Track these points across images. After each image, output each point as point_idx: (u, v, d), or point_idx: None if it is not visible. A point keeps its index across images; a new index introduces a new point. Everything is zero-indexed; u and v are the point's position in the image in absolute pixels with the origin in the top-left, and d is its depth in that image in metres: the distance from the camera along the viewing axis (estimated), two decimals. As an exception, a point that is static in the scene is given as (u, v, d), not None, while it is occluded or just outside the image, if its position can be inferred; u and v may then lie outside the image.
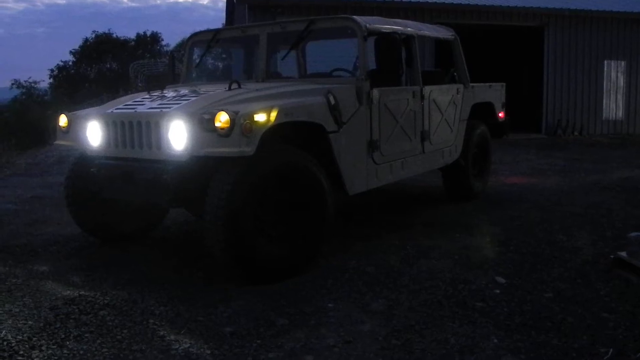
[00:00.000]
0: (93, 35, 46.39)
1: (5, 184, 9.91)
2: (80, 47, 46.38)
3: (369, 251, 5.20)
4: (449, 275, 4.54)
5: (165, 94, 5.10)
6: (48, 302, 4.21)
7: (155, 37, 49.13)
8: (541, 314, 3.82)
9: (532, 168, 10.35)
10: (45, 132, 20.36)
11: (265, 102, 4.47)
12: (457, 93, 6.78)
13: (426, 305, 3.98)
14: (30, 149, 17.60)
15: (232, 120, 4.09)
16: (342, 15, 5.53)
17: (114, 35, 47.18)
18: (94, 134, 5.07)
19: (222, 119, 4.12)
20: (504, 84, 7.99)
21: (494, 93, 7.69)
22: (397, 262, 4.89)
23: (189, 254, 5.32)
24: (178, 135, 4.37)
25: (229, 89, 4.78)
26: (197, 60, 6.48)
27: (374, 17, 5.69)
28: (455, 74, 7.05)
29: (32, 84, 28.11)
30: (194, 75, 6.57)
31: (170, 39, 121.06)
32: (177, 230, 6.21)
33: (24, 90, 27.72)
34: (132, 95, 5.64)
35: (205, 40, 6.36)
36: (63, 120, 5.43)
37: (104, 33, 46.70)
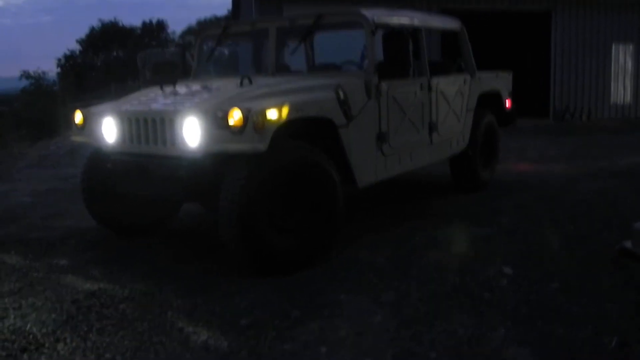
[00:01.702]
0: (99, 24, 46.51)
1: (19, 176, 10.09)
2: (86, 35, 46.53)
3: (378, 242, 5.32)
4: (457, 266, 4.65)
5: (178, 90, 5.21)
6: (69, 296, 4.36)
7: (161, 25, 49.17)
8: (547, 304, 3.93)
9: (539, 155, 10.41)
10: (55, 123, 20.52)
11: (277, 98, 4.57)
12: (464, 83, 6.85)
13: (435, 296, 4.10)
14: (41, 140, 17.76)
15: (245, 117, 4.20)
16: (350, 10, 5.62)
17: (120, 24, 47.26)
18: (109, 130, 5.19)
19: (235, 116, 4.23)
20: (511, 72, 8.04)
21: (501, 82, 7.75)
22: (406, 253, 5.00)
23: (203, 245, 5.46)
24: (192, 132, 4.48)
25: (241, 85, 4.88)
26: (208, 55, 6.57)
27: (381, 10, 5.76)
28: (462, 63, 7.12)
29: (41, 74, 28.30)
30: (204, 69, 6.67)
31: (177, 25, 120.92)
32: (191, 222, 6.34)
33: (32, 81, 27.90)
34: (145, 90, 5.76)
35: (215, 34, 6.46)
36: (78, 117, 5.55)
37: (110, 21, 46.81)
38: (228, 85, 5.08)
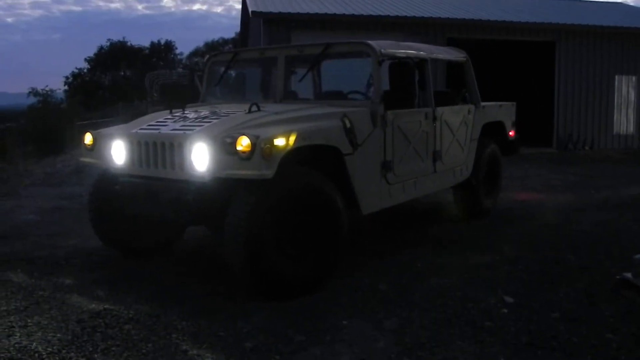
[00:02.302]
0: (108, 43, 46.95)
1: (26, 193, 10.15)
2: (95, 54, 46.98)
3: (381, 268, 5.39)
4: (458, 294, 4.71)
5: (187, 115, 5.31)
6: (75, 315, 4.41)
7: (169, 46, 49.63)
8: (547, 333, 3.98)
9: (542, 184, 10.50)
10: (62, 140, 20.68)
11: (284, 126, 4.67)
12: (469, 113, 6.96)
13: (437, 323, 4.15)
14: (47, 157, 17.89)
15: (253, 145, 4.29)
16: (358, 40, 5.73)
17: (129, 44, 47.70)
18: (118, 152, 5.28)
19: (243, 143, 4.32)
20: (514, 103, 8.16)
21: (505, 112, 7.87)
22: (408, 280, 5.06)
23: (208, 267, 5.53)
24: (201, 157, 4.58)
25: (249, 111, 4.98)
26: (217, 79, 6.69)
27: (388, 42, 5.89)
28: (466, 94, 7.23)
29: (49, 92, 28.58)
30: (212, 93, 6.78)
31: (184, 46, 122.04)
32: (196, 245, 6.40)
33: (40, 98, 28.17)
34: (155, 114, 5.86)
35: (225, 60, 6.58)
36: (88, 139, 5.65)
37: (119, 41, 47.25)
38: (236, 111, 5.18)
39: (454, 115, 6.67)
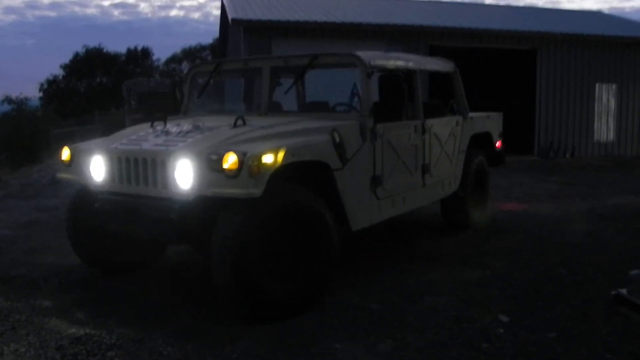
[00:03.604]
0: (83, 50, 46.35)
1: (0, 206, 9.87)
2: (70, 61, 46.33)
3: (371, 286, 5.24)
4: (453, 313, 4.58)
5: (169, 129, 5.12)
6: (54, 342, 4.20)
7: (146, 52, 49.12)
8: (546, 355, 3.87)
9: (526, 193, 10.45)
10: (37, 149, 20.31)
11: (272, 141, 4.51)
12: (457, 125, 6.86)
13: (432, 346, 4.02)
14: (22, 167, 17.53)
15: (241, 162, 4.14)
16: (346, 52, 5.60)
17: (105, 50, 47.15)
18: (97, 168, 5.09)
19: (230, 160, 4.17)
20: (501, 113, 8.09)
21: (492, 123, 7.79)
22: (400, 299, 4.93)
23: (192, 286, 5.34)
24: (184, 175, 4.41)
25: (235, 125, 4.82)
26: (199, 91, 6.51)
27: (377, 53, 5.78)
28: (454, 105, 7.13)
29: (23, 100, 28.07)
30: (195, 105, 6.60)
31: (162, 53, 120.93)
32: (179, 261, 6.21)
33: (14, 107, 27.67)
34: (135, 127, 5.67)
35: (207, 71, 6.41)
36: (66, 154, 5.44)
37: (95, 47, 46.65)
38: (221, 125, 5.01)
39: (442, 127, 6.56)
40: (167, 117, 5.61)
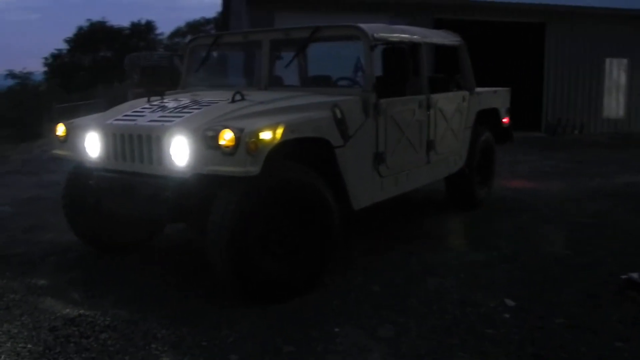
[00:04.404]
0: (87, 24, 46.03)
1: (1, 182, 9.78)
2: (74, 35, 46.04)
3: (373, 267, 5.11)
4: (456, 297, 4.44)
5: (166, 104, 4.97)
6: (47, 322, 4.11)
7: (149, 26, 48.73)
8: (553, 342, 3.72)
9: (533, 170, 10.26)
10: (40, 124, 20.18)
11: (271, 117, 4.35)
12: (463, 100, 6.66)
13: (435, 331, 3.88)
14: (24, 142, 17.43)
15: (237, 139, 3.98)
16: (349, 24, 5.40)
17: (108, 24, 46.80)
18: (92, 145, 4.95)
19: (226, 137, 4.01)
20: (509, 88, 7.88)
21: (499, 99, 7.58)
22: (402, 280, 4.78)
23: (191, 266, 5.22)
24: (180, 151, 4.27)
25: (232, 100, 4.65)
26: (198, 64, 6.33)
27: (380, 25, 5.56)
28: (460, 80, 6.93)
29: (27, 74, 27.91)
30: (193, 79, 6.43)
31: (166, 27, 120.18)
32: (178, 240, 6.08)
33: (18, 81, 27.51)
34: (132, 102, 5.51)
35: (206, 44, 6.23)
36: (61, 130, 5.30)
37: (98, 21, 46.33)
38: (219, 100, 4.84)
39: (448, 102, 6.36)
40: (164, 91, 5.46)
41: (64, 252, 5.72)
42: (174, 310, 4.27)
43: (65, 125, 5.29)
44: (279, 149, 4.28)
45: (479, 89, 7.08)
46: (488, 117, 7.35)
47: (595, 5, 16.17)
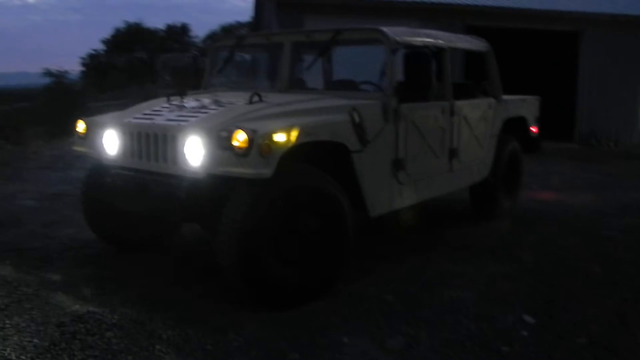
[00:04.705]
0: (124, 25, 46.72)
1: (29, 177, 9.90)
2: (111, 36, 46.76)
3: (388, 275, 4.98)
4: (473, 310, 4.29)
5: (185, 104, 4.93)
6: (55, 318, 4.10)
7: (184, 28, 49.26)
8: (572, 362, 3.56)
9: (564, 182, 10.00)
10: (73, 122, 20.38)
11: (286, 119, 4.27)
12: (489, 108, 6.51)
13: (447, 345, 3.74)
14: (56, 139, 17.64)
15: (250, 140, 3.91)
16: (371, 27, 5.30)
17: (144, 26, 47.46)
18: (110, 142, 4.95)
19: (239, 138, 3.94)
20: (539, 97, 7.69)
21: (528, 107, 7.40)
22: (418, 291, 4.65)
23: (204, 266, 5.16)
24: (194, 151, 4.22)
25: (250, 102, 4.59)
26: (220, 65, 6.29)
27: (403, 29, 5.45)
28: (487, 87, 6.77)
29: (63, 73, 28.24)
30: (216, 80, 6.39)
31: (200, 29, 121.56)
32: (195, 239, 6.02)
33: (54, 79, 27.86)
34: (152, 101, 5.49)
35: (229, 45, 6.19)
36: (81, 127, 5.32)
37: (135, 23, 47.03)
38: (238, 101, 4.79)
39: (473, 109, 6.21)
40: (185, 91, 5.43)
41: (81, 248, 5.74)
42: (182, 311, 4.22)
43: (85, 122, 5.30)
44: (294, 152, 4.20)
45: (506, 97, 6.91)
46: (515, 126, 7.17)
47: (632, 13, 15.76)
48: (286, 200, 4.15)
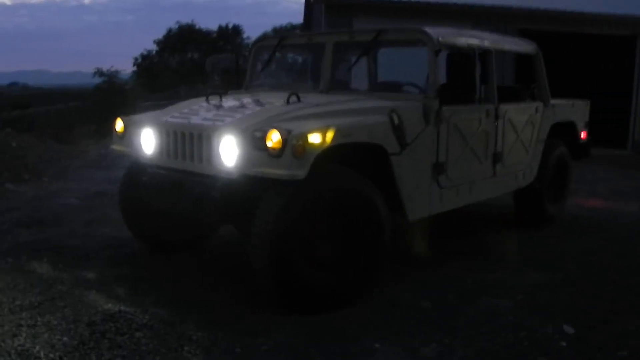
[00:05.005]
0: (177, 26, 47.32)
1: (74, 175, 10.06)
2: (163, 36, 47.43)
3: (424, 282, 4.85)
4: (510, 319, 4.13)
5: (223, 104, 4.91)
6: (87, 317, 4.10)
7: (236, 30, 49.64)
8: (613, 378, 3.39)
9: (613, 190, 9.64)
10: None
11: (323, 120, 4.19)
12: (536, 112, 6.30)
13: (481, 356, 3.60)
14: (105, 138, 17.98)
15: (284, 140, 3.84)
16: (413, 27, 5.18)
17: (197, 27, 47.95)
18: (147, 141, 4.95)
19: (273, 138, 3.88)
20: (588, 101, 7.42)
21: (577, 111, 7.15)
22: (455, 298, 4.51)
23: (238, 270, 5.11)
24: (229, 151, 4.17)
25: (287, 102, 4.53)
26: (262, 66, 6.25)
27: (448, 29, 5.31)
28: (535, 90, 6.56)
29: (114, 73, 28.89)
30: (257, 81, 6.36)
31: (253, 31, 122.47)
32: (232, 242, 5.99)
33: (106, 79, 28.51)
34: (191, 100, 5.48)
35: (270, 45, 6.14)
36: (119, 125, 5.33)
37: (187, 24, 47.56)
38: (276, 101, 4.73)
39: (519, 113, 6.02)
40: (225, 91, 5.41)
41: (118, 247, 5.76)
42: (212, 313, 4.18)
43: (124, 121, 5.30)
44: (331, 153, 4.12)
45: (555, 101, 6.69)
46: (564, 131, 6.93)
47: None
48: (320, 203, 4.07)
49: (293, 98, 4.56)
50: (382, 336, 3.84)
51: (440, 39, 4.97)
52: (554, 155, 6.74)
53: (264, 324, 3.99)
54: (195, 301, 4.40)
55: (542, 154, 6.53)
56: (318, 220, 4.09)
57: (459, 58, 5.05)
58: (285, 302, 4.14)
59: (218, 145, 4.25)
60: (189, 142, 4.52)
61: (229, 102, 4.97)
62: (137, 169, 5.23)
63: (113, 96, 24.93)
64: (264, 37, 6.42)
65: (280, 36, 6.19)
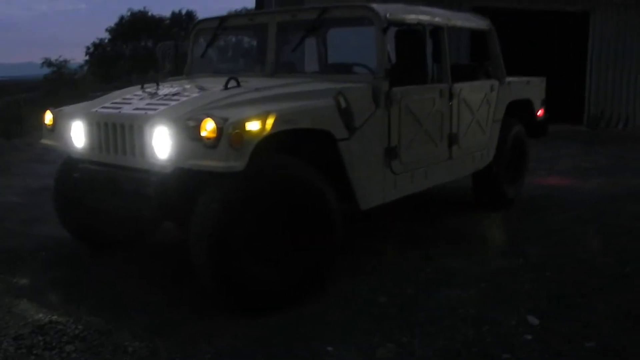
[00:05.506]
0: (128, 13, 46.31)
1: (18, 171, 9.61)
2: (116, 24, 46.36)
3: (381, 274, 4.58)
4: (472, 312, 3.89)
5: (159, 91, 4.54)
6: (15, 329, 3.75)
7: (190, 16, 48.78)
8: (581, 372, 3.17)
9: (572, 166, 9.54)
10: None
11: (262, 105, 3.86)
12: (491, 90, 6.06)
13: (442, 355, 3.34)
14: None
15: (220, 129, 3.52)
16: (359, 4, 4.87)
17: (150, 13, 47.02)
18: (78, 134, 4.57)
19: (208, 127, 3.55)
20: (544, 78, 7.23)
21: (533, 89, 6.94)
22: (413, 291, 4.25)
23: (182, 267, 4.78)
24: (162, 143, 3.83)
25: (225, 87, 4.19)
26: (202, 50, 5.88)
27: (397, 5, 5.02)
28: (489, 68, 6.32)
29: (63, 63, 27.93)
30: (198, 66, 5.99)
31: (207, 16, 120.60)
32: (178, 237, 5.65)
33: (54, 69, 27.56)
34: (126, 89, 5.09)
35: (211, 27, 5.77)
36: (48, 118, 4.93)
37: (139, 11, 46.59)
38: (214, 87, 4.38)
39: (474, 92, 5.78)
40: (161, 78, 5.05)
41: (55, 247, 5.40)
42: (152, 318, 3.86)
43: (53, 113, 4.91)
44: (274, 141, 3.81)
45: (510, 79, 6.46)
46: (520, 109, 6.73)
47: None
48: (261, 195, 3.76)
49: (232, 83, 4.22)
50: (336, 337, 3.56)
51: (388, 15, 4.68)
52: (511, 135, 6.53)
53: (207, 328, 3.69)
54: (133, 306, 4.06)
55: (499, 133, 6.31)
56: (261, 214, 3.79)
57: (409, 35, 4.78)
58: (230, 301, 3.85)
59: (150, 137, 3.90)
60: (120, 134, 4.16)
61: (164, 89, 4.59)
62: (71, 164, 4.85)
63: (62, 87, 24.07)
64: (203, 19, 6.03)
65: (221, 17, 5.81)
